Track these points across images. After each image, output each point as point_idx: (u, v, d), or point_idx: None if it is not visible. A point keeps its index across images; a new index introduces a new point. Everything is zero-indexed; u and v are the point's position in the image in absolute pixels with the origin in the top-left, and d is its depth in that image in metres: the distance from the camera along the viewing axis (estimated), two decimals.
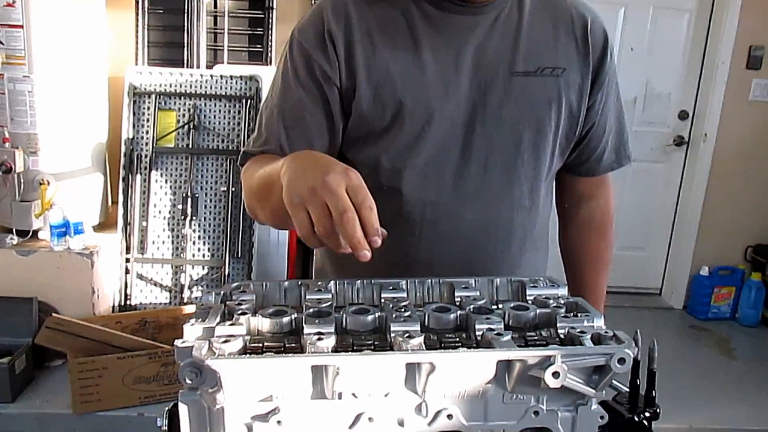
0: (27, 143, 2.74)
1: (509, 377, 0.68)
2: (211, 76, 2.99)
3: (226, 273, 2.97)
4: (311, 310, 0.76)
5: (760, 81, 3.72)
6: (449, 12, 1.00)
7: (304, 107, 1.00)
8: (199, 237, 2.99)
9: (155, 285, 2.99)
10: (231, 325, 0.71)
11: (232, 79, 3.00)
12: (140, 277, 2.98)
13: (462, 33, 1.00)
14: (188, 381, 0.65)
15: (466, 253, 1.07)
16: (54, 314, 2.51)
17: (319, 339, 0.67)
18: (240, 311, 0.75)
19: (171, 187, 2.98)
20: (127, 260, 2.95)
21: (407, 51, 0.99)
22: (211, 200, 3.00)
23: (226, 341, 0.66)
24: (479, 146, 1.03)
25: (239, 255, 2.99)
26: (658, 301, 4.11)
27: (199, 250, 2.99)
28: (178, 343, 0.67)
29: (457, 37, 1.00)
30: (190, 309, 2.82)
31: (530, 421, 0.71)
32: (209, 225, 2.99)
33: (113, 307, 2.94)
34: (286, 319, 0.73)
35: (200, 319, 0.73)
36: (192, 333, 0.70)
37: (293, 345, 0.69)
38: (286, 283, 0.86)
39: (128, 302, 2.95)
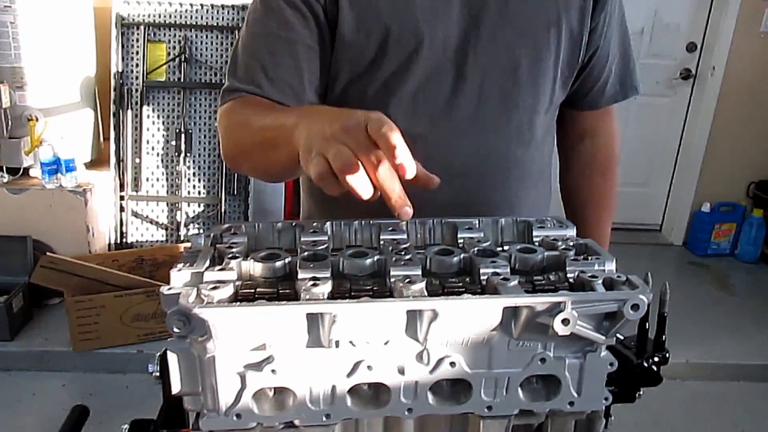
0: (12, 77, 2.64)
1: (515, 324, 0.64)
2: (202, 5, 2.87)
3: (223, 210, 2.93)
4: (306, 253, 0.71)
5: None
6: None
7: (291, 28, 0.91)
8: (194, 174, 2.93)
9: (151, 223, 2.96)
10: (221, 269, 0.66)
11: (224, 8, 2.87)
12: (135, 214, 2.94)
13: None
14: (176, 330, 0.61)
15: (462, 191, 1.00)
16: (48, 253, 2.48)
17: (314, 285, 0.63)
18: (230, 255, 0.71)
19: (164, 122, 2.90)
20: (122, 198, 2.91)
21: None
22: (205, 136, 2.92)
23: (215, 287, 0.62)
24: (472, 74, 0.95)
25: (235, 192, 2.94)
26: (658, 238, 4.11)
27: (194, 187, 2.94)
28: (164, 289, 0.63)
29: None
30: (186, 246, 2.80)
31: (536, 369, 0.67)
32: (204, 161, 2.93)
33: (109, 245, 2.92)
34: (279, 263, 0.69)
35: (188, 264, 0.69)
36: (179, 278, 0.66)
37: (287, 291, 0.65)
38: (280, 224, 0.82)
39: (124, 240, 2.93)
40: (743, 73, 3.68)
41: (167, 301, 0.62)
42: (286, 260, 0.70)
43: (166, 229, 2.97)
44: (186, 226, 2.95)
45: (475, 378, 0.67)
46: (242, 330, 0.61)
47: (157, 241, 2.97)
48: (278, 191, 3.11)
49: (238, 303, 0.61)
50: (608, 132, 1.17)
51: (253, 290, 0.65)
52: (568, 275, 0.69)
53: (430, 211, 0.98)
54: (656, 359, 0.78)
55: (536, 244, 0.79)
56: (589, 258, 0.72)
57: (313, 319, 0.61)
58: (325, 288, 0.63)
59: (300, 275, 0.65)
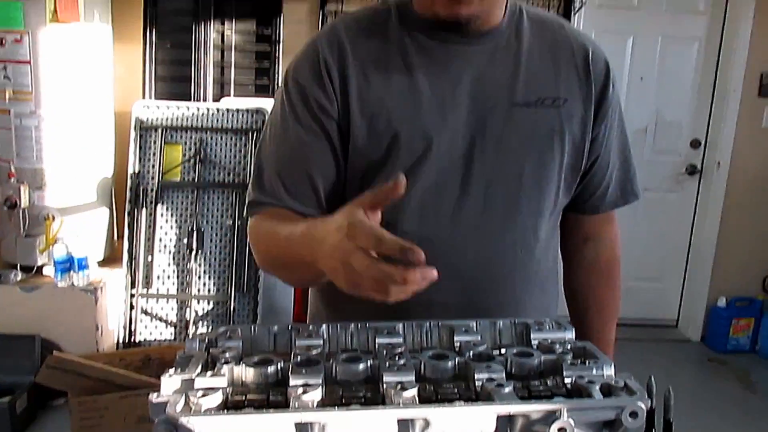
0: (33, 178, 2.74)
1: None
2: (218, 109, 2.99)
3: (232, 308, 2.92)
4: (299, 358, 0.71)
5: None
6: (444, 42, 0.97)
7: (306, 146, 0.97)
8: (204, 271, 2.95)
9: (160, 320, 2.95)
10: (212, 375, 0.66)
11: (238, 112, 2.99)
12: (145, 312, 2.94)
13: (459, 63, 0.97)
14: None
15: (468, 294, 1.01)
16: (55, 352, 2.47)
17: (304, 392, 0.62)
18: (223, 360, 0.70)
19: (177, 221, 2.96)
20: (132, 295, 2.92)
21: (402, 82, 0.96)
22: (216, 234, 2.97)
23: (204, 395, 0.62)
24: (479, 179, 0.98)
25: (245, 290, 2.94)
26: (674, 334, 4.01)
27: (204, 284, 2.95)
28: (152, 397, 0.63)
29: (453, 67, 0.97)
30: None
31: None
32: (215, 259, 2.96)
33: (117, 343, 2.90)
34: (271, 369, 0.68)
35: (180, 369, 0.68)
36: (170, 385, 0.66)
37: (278, 397, 0.64)
38: (276, 327, 0.82)
39: (132, 338, 2.91)
40: (748, 167, 3.72)
41: (155, 410, 0.62)
42: (279, 365, 0.69)
43: (175, 327, 2.96)
44: (195, 324, 2.94)
45: None
46: None
47: (165, 339, 2.95)
48: (288, 289, 3.11)
49: (226, 411, 0.61)
50: (610, 236, 1.18)
51: (243, 397, 0.64)
52: (566, 380, 0.68)
53: (436, 313, 0.97)
54: None
55: (534, 346, 0.78)
56: (587, 362, 0.70)
57: (302, 428, 0.60)
58: (315, 395, 0.62)
59: (291, 381, 0.65)
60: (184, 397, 0.62)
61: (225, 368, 0.68)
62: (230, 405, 0.63)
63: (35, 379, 2.47)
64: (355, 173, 0.99)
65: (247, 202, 1.02)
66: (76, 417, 2.35)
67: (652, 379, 0.78)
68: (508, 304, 1.03)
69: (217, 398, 0.62)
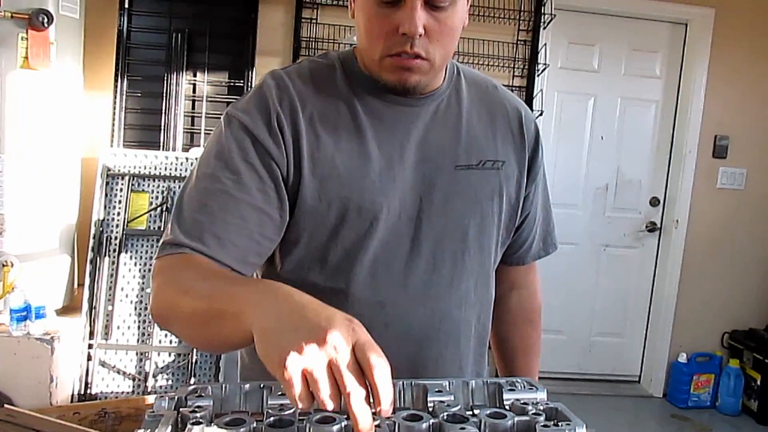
0: None
1: None
2: (186, 158, 2.99)
3: (193, 360, 2.85)
4: (272, 418, 0.70)
5: (726, 169, 3.83)
6: (391, 103, 0.98)
7: (248, 190, 0.89)
8: None
9: (118, 372, 2.86)
10: None
11: None
12: (102, 364, 2.85)
13: (404, 124, 0.99)
14: None
15: (416, 354, 1.02)
16: (6, 405, 2.36)
17: None
18: (194, 420, 0.69)
19: (140, 270, 2.90)
20: (90, 346, 2.83)
21: (352, 142, 0.96)
22: None
23: None
24: (427, 241, 1.00)
25: None
26: (637, 389, 4.04)
27: (165, 335, 2.88)
28: None
29: (399, 129, 0.98)
30: (152, 399, 2.69)
31: None
32: None
33: (72, 395, 2.79)
34: (242, 430, 0.67)
35: (149, 430, 0.67)
36: None
37: None
38: (247, 385, 0.81)
39: (88, 391, 2.81)
40: (705, 225, 3.85)
41: None
42: (251, 426, 0.68)
43: (134, 380, 2.87)
44: (154, 376, 2.85)
45: None
46: None
47: (123, 392, 2.85)
48: None
49: None
50: (533, 284, 1.26)
51: None
52: None
53: None
54: None
55: (507, 407, 0.79)
56: (560, 424, 0.71)
57: None
58: None
59: None
60: None
61: (196, 429, 0.67)
62: None
63: None
64: (301, 238, 0.96)
65: (161, 242, 0.90)
66: None
67: None
68: (452, 361, 1.06)
69: None
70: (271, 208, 0.91)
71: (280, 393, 0.77)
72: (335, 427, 0.68)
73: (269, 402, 0.75)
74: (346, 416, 0.71)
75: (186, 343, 0.84)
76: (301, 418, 0.71)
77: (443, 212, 1.00)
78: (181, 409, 0.73)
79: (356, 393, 0.59)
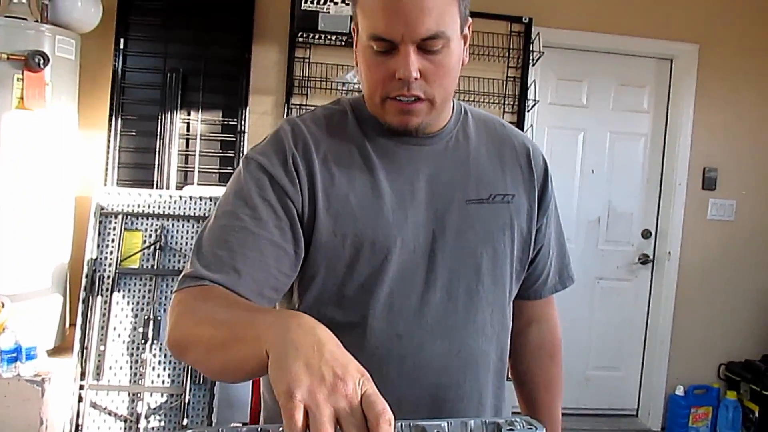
0: None
1: None
2: (180, 197, 2.99)
3: (186, 400, 2.81)
4: None
5: (716, 201, 3.86)
6: (400, 143, 1.02)
7: (266, 226, 0.93)
8: (159, 362, 2.86)
9: (109, 414, 2.82)
10: None
11: (201, 200, 3.00)
12: (94, 405, 2.80)
13: (414, 162, 1.02)
14: None
15: (435, 387, 1.02)
16: None
17: None
18: None
19: (133, 309, 2.88)
20: (81, 387, 2.79)
21: (364, 180, 0.99)
22: None
23: None
24: (441, 273, 1.02)
25: (201, 382, 2.85)
26: (635, 423, 4.00)
27: (158, 376, 2.85)
28: None
29: (410, 167, 1.02)
30: None
31: None
32: None
33: None
34: None
35: None
36: None
37: None
38: (245, 429, 0.80)
39: None
40: (698, 257, 3.87)
41: None
42: None
43: (125, 422, 2.82)
44: (147, 417, 2.81)
45: None
46: None
47: None
48: (245, 383, 3.02)
49: None
50: (551, 318, 1.26)
51: None
52: None
53: (404, 408, 0.97)
54: None
55: None
56: None
57: None
58: None
59: None
60: None
61: None
62: None
63: None
64: (317, 273, 0.99)
65: (181, 276, 0.91)
66: None
67: None
68: (471, 394, 1.05)
69: None
70: (287, 244, 0.94)
71: None
72: None
73: None
74: None
75: (201, 371, 0.86)
76: None
77: (456, 246, 1.02)
78: None
79: None
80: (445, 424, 0.82)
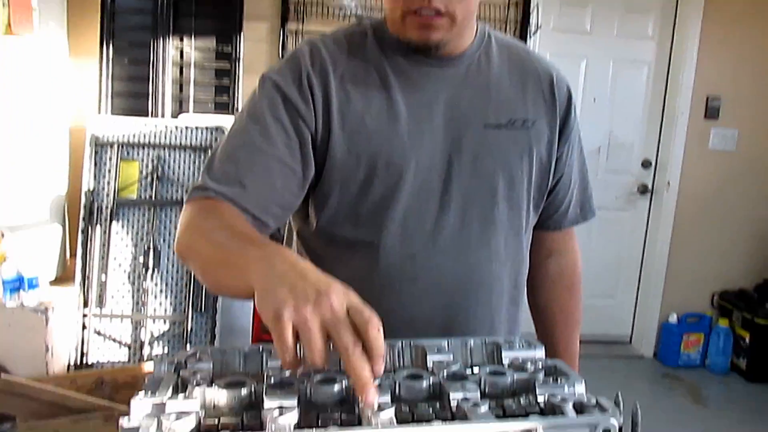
0: None
1: None
2: (176, 126, 2.95)
3: (189, 328, 2.86)
4: (273, 379, 0.70)
5: (718, 130, 3.82)
6: (420, 65, 1.01)
7: (275, 144, 0.94)
8: (160, 291, 2.88)
9: (113, 341, 2.87)
10: (184, 398, 0.65)
11: (197, 129, 2.95)
12: (98, 333, 2.85)
13: (434, 85, 1.01)
14: None
15: (447, 308, 1.04)
16: (3, 375, 2.37)
17: (280, 414, 0.61)
18: (195, 382, 0.69)
19: (132, 239, 2.89)
20: (84, 316, 2.83)
21: (381, 101, 0.99)
22: (173, 252, 2.90)
23: (177, 419, 0.60)
24: (456, 197, 1.02)
25: (202, 309, 2.89)
26: (628, 350, 4.10)
27: (160, 304, 2.89)
28: (123, 422, 0.61)
29: (429, 89, 1.01)
30: (149, 367, 2.70)
31: None
32: (171, 278, 2.89)
33: (69, 365, 2.80)
34: (244, 391, 0.67)
35: (150, 392, 0.67)
36: (140, 409, 0.64)
37: (253, 420, 0.64)
38: (247, 348, 0.81)
39: (85, 360, 2.82)
40: (697, 187, 3.86)
41: None
42: (252, 387, 0.68)
43: (129, 348, 2.87)
44: (150, 344, 2.86)
45: None
46: None
47: (119, 361, 2.86)
48: (247, 309, 3.07)
49: None
50: (572, 251, 1.25)
51: (216, 421, 0.63)
52: (539, 398, 0.69)
53: (416, 327, 1.01)
54: None
55: (506, 365, 0.79)
56: (559, 380, 0.71)
57: None
58: (292, 418, 0.61)
59: (266, 404, 0.64)
60: (156, 421, 0.60)
61: (197, 391, 0.67)
62: (203, 429, 0.62)
63: None
64: (332, 192, 1.00)
65: (191, 188, 0.95)
66: None
67: (619, 395, 0.79)
68: (483, 318, 1.07)
69: (190, 422, 0.61)
70: (295, 163, 0.95)
71: None
72: (336, 387, 0.68)
73: (269, 364, 0.75)
74: (346, 376, 0.71)
75: (200, 282, 0.89)
76: (302, 379, 0.71)
77: (472, 170, 1.02)
78: (180, 372, 0.73)
79: (353, 348, 0.60)
80: (445, 343, 0.83)
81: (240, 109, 1.01)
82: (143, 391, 0.66)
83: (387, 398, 0.65)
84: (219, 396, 0.67)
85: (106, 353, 2.86)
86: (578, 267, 1.25)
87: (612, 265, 4.02)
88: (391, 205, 1.00)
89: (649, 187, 3.96)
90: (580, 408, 0.65)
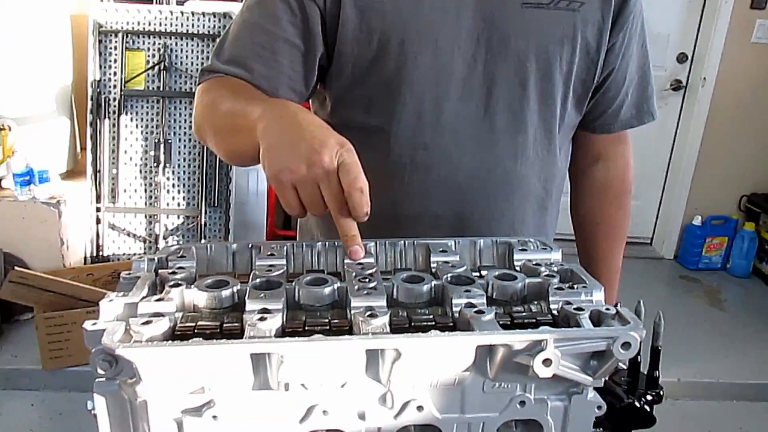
0: None
1: (491, 363, 0.57)
2: (182, 12, 2.79)
3: (202, 222, 2.84)
4: (258, 280, 0.64)
5: (765, 21, 3.54)
6: None
7: (277, 22, 0.87)
8: (173, 185, 2.85)
9: (128, 235, 2.87)
10: (158, 300, 0.59)
11: (204, 16, 2.80)
12: (112, 227, 2.85)
13: None
14: (101, 371, 0.53)
15: (462, 204, 0.94)
16: (17, 267, 2.39)
17: (261, 319, 0.55)
18: (173, 282, 0.63)
19: (142, 132, 2.82)
20: (98, 209, 2.82)
21: None
22: (185, 146, 2.84)
23: (147, 322, 0.55)
24: (480, 84, 0.90)
25: (216, 204, 2.86)
26: (648, 251, 4.05)
27: (173, 198, 2.85)
28: (87, 325, 0.55)
29: None
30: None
31: (515, 413, 0.60)
32: (184, 172, 2.85)
33: (85, 258, 2.82)
34: (226, 292, 0.61)
35: (123, 293, 0.61)
36: (109, 310, 0.58)
37: (233, 323, 0.58)
38: (235, 245, 0.74)
39: (100, 253, 2.83)
40: (735, 84, 3.64)
41: (90, 339, 0.54)
42: (235, 288, 0.62)
43: (144, 242, 2.88)
44: (165, 238, 2.86)
45: (446, 423, 0.60)
46: (176, 372, 0.53)
47: (134, 254, 2.87)
48: (260, 203, 3.03)
49: (170, 342, 0.53)
50: (622, 158, 1.11)
51: (193, 324, 0.57)
52: (552, 306, 0.62)
53: (426, 222, 0.94)
54: (649, 398, 0.71)
55: (517, 268, 0.72)
56: (575, 287, 0.64)
57: (259, 360, 0.53)
58: (274, 323, 0.55)
59: (248, 306, 0.58)
60: (123, 324, 0.55)
61: (174, 292, 0.61)
62: (178, 333, 0.56)
63: None
64: (343, 70, 0.91)
65: (200, 69, 0.93)
66: (42, 332, 2.31)
67: (641, 303, 0.72)
68: (503, 217, 0.97)
69: (162, 326, 0.55)
70: (302, 41, 0.89)
71: (269, 253, 0.71)
72: (326, 290, 0.62)
73: (257, 263, 0.69)
74: (338, 278, 0.65)
75: (218, 155, 0.91)
76: (290, 279, 0.65)
77: (502, 54, 0.89)
78: (159, 271, 0.67)
79: (337, 205, 0.65)
80: (452, 243, 0.75)
81: None
82: (116, 293, 0.61)
83: (382, 302, 0.59)
84: (198, 297, 0.61)
85: (122, 246, 2.87)
86: (629, 176, 1.12)
87: (637, 164, 3.79)
88: (402, 86, 0.89)
89: (683, 82, 3.74)
90: (597, 319, 0.59)
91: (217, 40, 0.96)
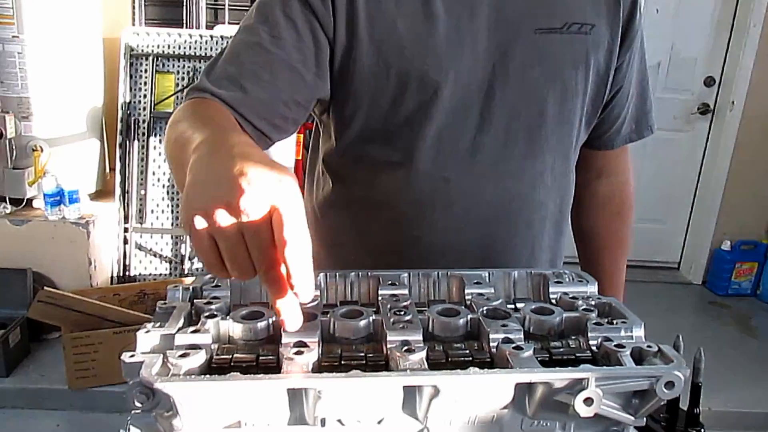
0: (18, 107, 2.62)
1: (530, 401, 0.56)
2: (211, 36, 2.84)
3: None
4: None
5: None
6: None
7: (284, 45, 0.82)
8: None
9: (155, 255, 2.89)
10: (194, 331, 0.59)
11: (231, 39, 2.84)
12: (139, 247, 2.88)
13: None
14: (138, 404, 0.53)
15: (484, 237, 0.94)
16: (46, 287, 2.42)
17: (298, 353, 0.55)
18: (208, 313, 0.63)
19: None
20: (125, 230, 2.85)
21: (415, 4, 0.85)
22: None
23: (184, 355, 0.54)
24: (499, 113, 0.89)
25: None
26: (676, 276, 3.98)
27: None
28: (125, 357, 0.55)
29: None
30: (190, 281, 2.73)
31: None
32: None
33: (112, 278, 2.85)
34: (261, 325, 0.61)
35: (159, 324, 0.61)
36: (146, 342, 0.58)
37: (269, 356, 0.57)
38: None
39: (127, 273, 2.86)
40: (763, 107, 3.59)
41: (128, 371, 0.55)
42: (270, 320, 0.62)
43: (170, 263, 2.90)
44: (190, 259, 2.88)
45: None
46: (213, 406, 0.53)
47: (160, 274, 2.90)
48: None
49: (208, 376, 0.53)
50: (623, 172, 1.12)
51: (229, 357, 0.57)
52: (591, 342, 0.61)
53: (451, 256, 0.92)
54: None
55: (553, 301, 0.71)
56: (615, 322, 0.63)
57: (296, 395, 0.53)
58: (311, 357, 0.55)
59: (284, 339, 0.57)
60: (161, 357, 0.55)
61: (210, 323, 0.61)
62: (214, 366, 0.56)
63: (27, 314, 2.44)
64: (361, 105, 0.89)
65: (188, 89, 0.85)
66: (69, 352, 2.33)
67: (680, 338, 0.71)
68: (523, 245, 0.97)
69: (199, 359, 0.55)
70: (306, 69, 0.84)
71: None
72: (362, 323, 0.61)
73: None
74: (374, 310, 0.64)
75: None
76: (325, 311, 0.64)
77: (519, 82, 0.89)
78: (195, 301, 0.67)
79: (264, 266, 0.51)
80: (486, 274, 0.74)
81: (252, 5, 0.88)
82: (152, 323, 0.61)
83: (418, 336, 0.58)
84: (234, 329, 0.61)
85: (148, 267, 2.90)
86: (630, 189, 1.13)
87: (664, 188, 3.83)
88: (424, 122, 0.88)
89: (711, 106, 3.70)
90: (638, 356, 0.57)
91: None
